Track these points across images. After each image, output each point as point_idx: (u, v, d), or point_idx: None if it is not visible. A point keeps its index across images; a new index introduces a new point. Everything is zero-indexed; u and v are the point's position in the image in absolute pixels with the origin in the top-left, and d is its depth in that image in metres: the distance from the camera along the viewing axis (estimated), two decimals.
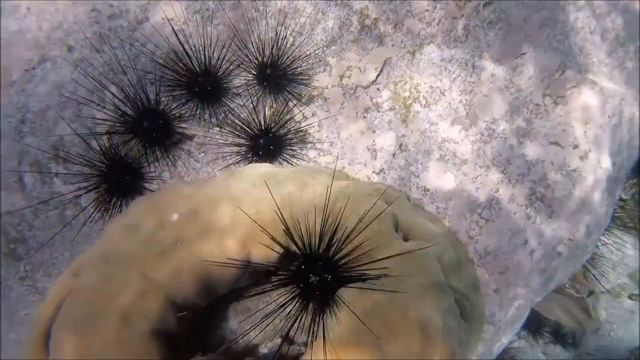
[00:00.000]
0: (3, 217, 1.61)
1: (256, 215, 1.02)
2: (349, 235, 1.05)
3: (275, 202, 1.03)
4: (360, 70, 1.56)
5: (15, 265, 1.64)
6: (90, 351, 0.89)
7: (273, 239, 1.00)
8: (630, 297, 3.70)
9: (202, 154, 1.55)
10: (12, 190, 1.61)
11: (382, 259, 1.00)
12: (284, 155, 1.52)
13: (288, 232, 1.03)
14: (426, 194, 1.54)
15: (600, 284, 2.78)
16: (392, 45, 1.56)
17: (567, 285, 2.72)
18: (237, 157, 1.52)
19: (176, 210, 1.03)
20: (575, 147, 1.60)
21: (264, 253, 1.02)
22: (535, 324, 3.29)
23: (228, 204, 1.04)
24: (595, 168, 1.62)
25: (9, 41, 1.69)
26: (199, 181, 1.22)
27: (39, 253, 1.62)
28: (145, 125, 1.48)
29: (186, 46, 1.56)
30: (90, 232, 1.58)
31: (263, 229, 0.97)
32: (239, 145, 1.51)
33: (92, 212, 1.53)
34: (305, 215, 1.06)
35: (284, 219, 1.03)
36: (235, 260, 0.99)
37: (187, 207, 1.04)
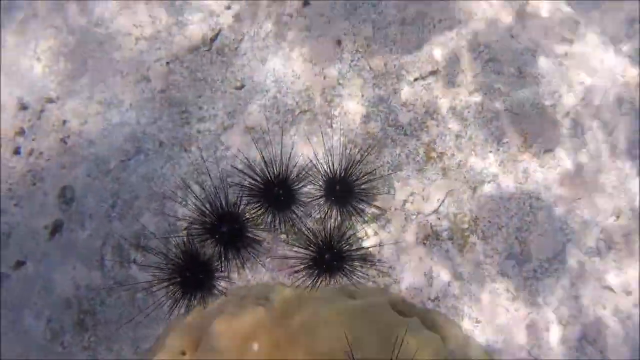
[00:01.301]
0: (81, 290, 1.76)
1: (330, 354, 1.11)
2: None
3: (348, 342, 1.12)
4: (423, 198, 1.68)
5: (81, 335, 1.76)
6: None
7: None
8: None
9: (268, 259, 1.67)
10: (93, 268, 1.77)
11: None
12: (345, 270, 1.61)
13: None
14: (477, 326, 1.59)
15: None
16: (455, 179, 1.68)
17: None
18: (301, 267, 1.63)
19: (256, 339, 1.13)
20: (629, 293, 1.63)
21: None
22: None
23: (304, 340, 1.13)
24: None
25: (111, 131, 1.91)
26: (274, 307, 1.32)
27: (104, 328, 1.74)
28: (222, 229, 1.62)
29: (264, 154, 1.74)
30: (156, 317, 1.69)
31: None
32: (303, 256, 1.62)
33: (161, 301, 1.66)
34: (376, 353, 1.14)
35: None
36: None
37: (266, 337, 1.14)
